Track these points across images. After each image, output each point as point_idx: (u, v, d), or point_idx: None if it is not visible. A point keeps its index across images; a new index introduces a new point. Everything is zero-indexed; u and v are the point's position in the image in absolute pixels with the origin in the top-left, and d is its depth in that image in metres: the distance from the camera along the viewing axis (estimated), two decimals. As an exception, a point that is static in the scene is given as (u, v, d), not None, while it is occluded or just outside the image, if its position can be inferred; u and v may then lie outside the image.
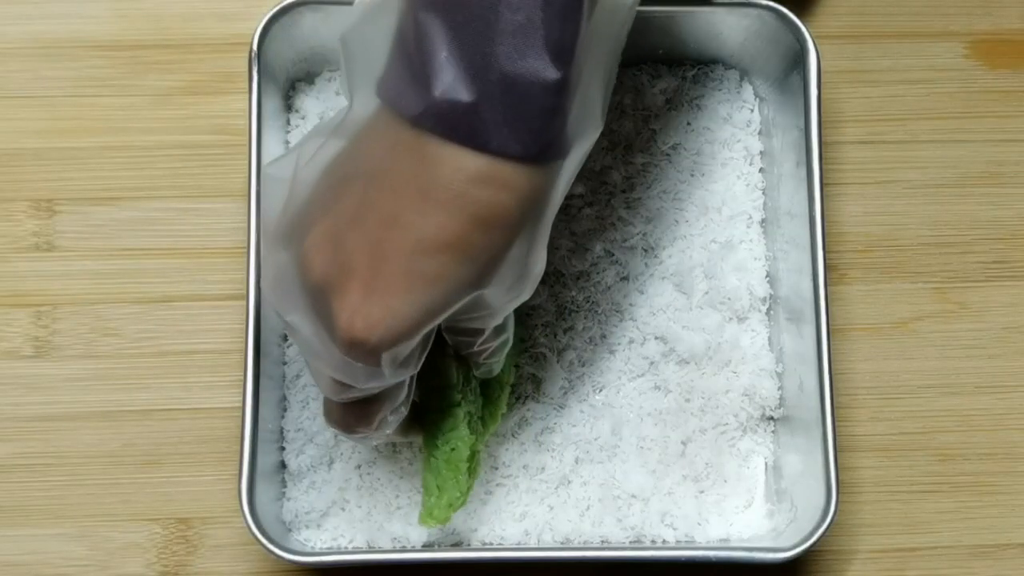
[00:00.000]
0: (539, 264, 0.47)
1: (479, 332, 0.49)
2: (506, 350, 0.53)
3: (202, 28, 0.64)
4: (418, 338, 0.46)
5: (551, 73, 0.42)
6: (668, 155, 0.62)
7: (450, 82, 0.42)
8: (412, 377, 0.49)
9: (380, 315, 0.44)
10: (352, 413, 0.49)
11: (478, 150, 0.42)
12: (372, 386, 0.47)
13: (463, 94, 0.42)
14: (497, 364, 0.53)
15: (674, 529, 0.59)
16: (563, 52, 0.42)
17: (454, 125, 0.42)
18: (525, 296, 0.48)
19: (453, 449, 0.53)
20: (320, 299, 0.45)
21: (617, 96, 0.62)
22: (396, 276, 0.44)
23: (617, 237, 0.61)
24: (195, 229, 0.62)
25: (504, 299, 0.47)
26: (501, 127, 0.42)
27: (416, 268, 0.43)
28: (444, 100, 0.42)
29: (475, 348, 0.51)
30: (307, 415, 0.59)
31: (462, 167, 0.42)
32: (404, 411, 0.51)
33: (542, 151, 0.43)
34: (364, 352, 0.45)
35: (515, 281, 0.46)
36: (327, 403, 0.50)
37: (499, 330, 0.51)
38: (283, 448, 0.59)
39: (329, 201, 0.45)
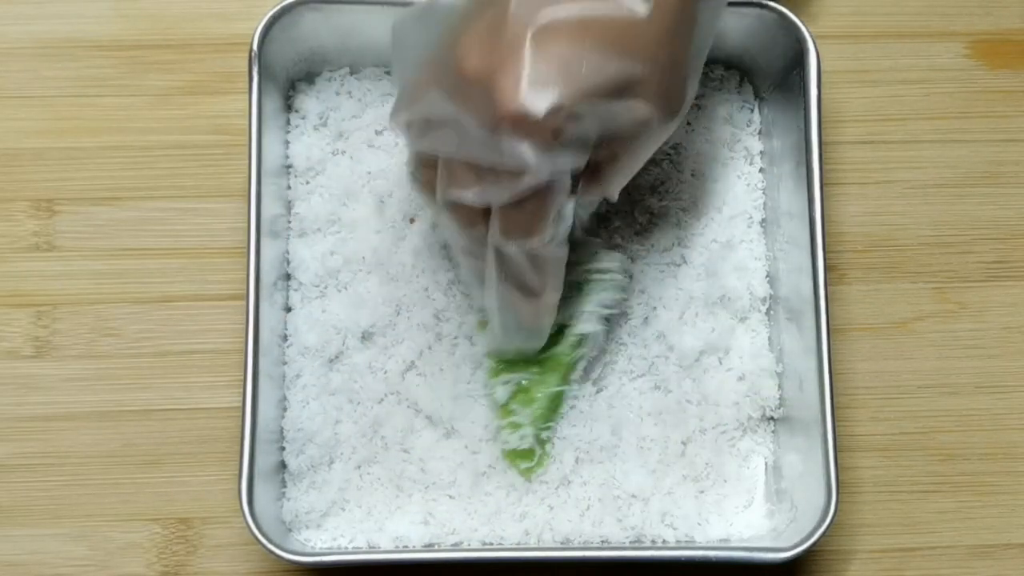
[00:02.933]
0: (690, 90, 0.51)
1: (630, 141, 0.51)
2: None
3: (202, 28, 0.64)
4: (588, 121, 0.47)
5: None
6: (668, 155, 0.62)
7: None
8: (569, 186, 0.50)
9: (545, 81, 0.46)
10: (525, 212, 0.50)
11: None
12: (543, 171, 0.48)
13: None
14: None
15: (674, 529, 0.59)
16: None
17: None
18: (679, 115, 0.50)
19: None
20: (478, 90, 0.46)
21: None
22: (557, 50, 0.46)
23: (617, 237, 0.61)
24: (195, 229, 0.62)
25: (654, 117, 0.49)
26: None
27: (578, 44, 0.46)
28: None
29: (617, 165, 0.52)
30: (307, 415, 0.59)
31: None
32: (568, 220, 0.51)
33: None
34: (531, 125, 0.46)
35: (670, 91, 0.49)
36: (507, 214, 0.50)
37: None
38: (283, 448, 0.59)
39: (475, 10, 0.47)
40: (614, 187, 0.53)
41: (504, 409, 0.58)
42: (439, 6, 0.49)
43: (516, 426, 0.58)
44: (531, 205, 0.49)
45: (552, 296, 0.55)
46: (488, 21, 0.47)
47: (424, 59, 0.49)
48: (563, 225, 0.51)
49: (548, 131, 0.46)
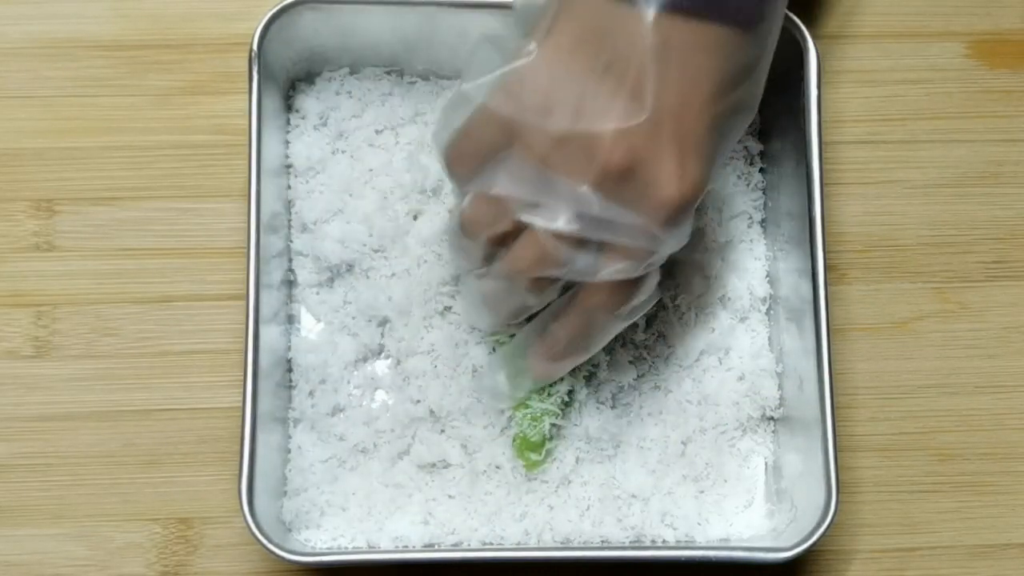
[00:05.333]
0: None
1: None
2: None
3: (202, 28, 0.64)
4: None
5: None
6: (668, 155, 0.62)
7: None
8: None
9: (694, 168, 0.47)
10: (622, 291, 0.51)
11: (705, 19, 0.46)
12: (671, 247, 0.50)
13: None
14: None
15: (674, 529, 0.59)
16: None
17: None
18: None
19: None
20: (628, 184, 0.47)
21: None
22: (691, 134, 0.47)
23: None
24: (195, 229, 0.62)
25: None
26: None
27: (705, 120, 0.47)
28: None
29: None
30: (307, 415, 0.59)
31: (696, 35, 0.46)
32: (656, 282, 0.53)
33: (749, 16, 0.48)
34: (686, 208, 0.48)
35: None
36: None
37: None
38: (285, 448, 0.59)
39: (580, 100, 0.47)
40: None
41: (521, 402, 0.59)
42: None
43: (534, 418, 0.58)
44: (642, 279, 0.51)
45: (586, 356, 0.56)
46: (604, 112, 0.47)
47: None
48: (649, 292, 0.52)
49: (691, 209, 0.49)
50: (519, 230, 0.49)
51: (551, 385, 0.58)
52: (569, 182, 0.47)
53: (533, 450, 0.58)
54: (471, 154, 0.49)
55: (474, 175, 0.49)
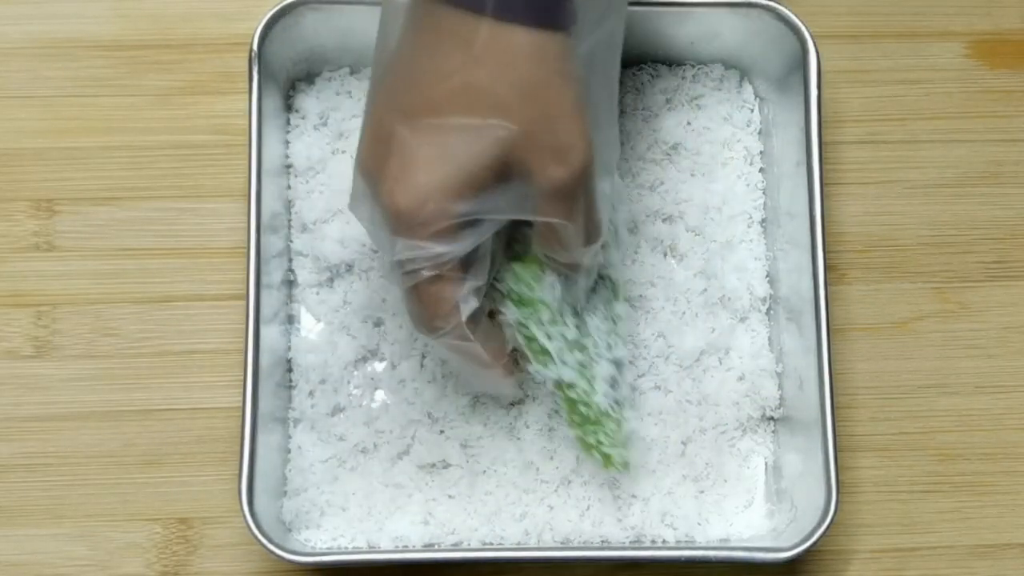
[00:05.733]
0: (598, 132, 0.49)
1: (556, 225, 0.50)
2: (592, 245, 0.52)
3: (202, 28, 0.64)
4: (461, 206, 0.47)
5: None
6: (668, 155, 0.62)
7: None
8: (480, 265, 0.50)
9: (419, 181, 0.46)
10: (424, 303, 0.50)
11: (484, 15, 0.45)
12: (422, 257, 0.48)
13: None
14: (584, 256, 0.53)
15: (674, 529, 0.59)
16: None
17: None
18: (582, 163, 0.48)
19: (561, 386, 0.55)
20: (371, 187, 0.47)
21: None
22: (428, 142, 0.46)
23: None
24: (195, 229, 0.62)
25: (553, 173, 0.47)
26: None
27: (447, 131, 0.46)
28: None
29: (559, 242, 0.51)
30: (307, 414, 0.59)
31: (475, 33, 0.45)
32: (475, 302, 0.51)
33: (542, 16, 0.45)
34: (408, 222, 0.47)
35: (555, 153, 0.47)
36: (409, 306, 0.51)
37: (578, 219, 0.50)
38: (285, 448, 0.59)
39: (371, 102, 0.48)
40: (576, 253, 0.52)
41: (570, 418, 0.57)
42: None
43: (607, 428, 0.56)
44: (427, 297, 0.50)
45: (500, 366, 0.55)
46: (376, 114, 0.48)
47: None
48: (466, 314, 0.50)
49: (420, 227, 0.47)
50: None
51: (586, 401, 0.56)
52: (384, 237, 0.48)
53: (615, 447, 0.56)
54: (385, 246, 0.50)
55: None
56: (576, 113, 0.47)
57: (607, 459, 0.57)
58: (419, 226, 0.47)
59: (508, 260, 0.54)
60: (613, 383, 0.56)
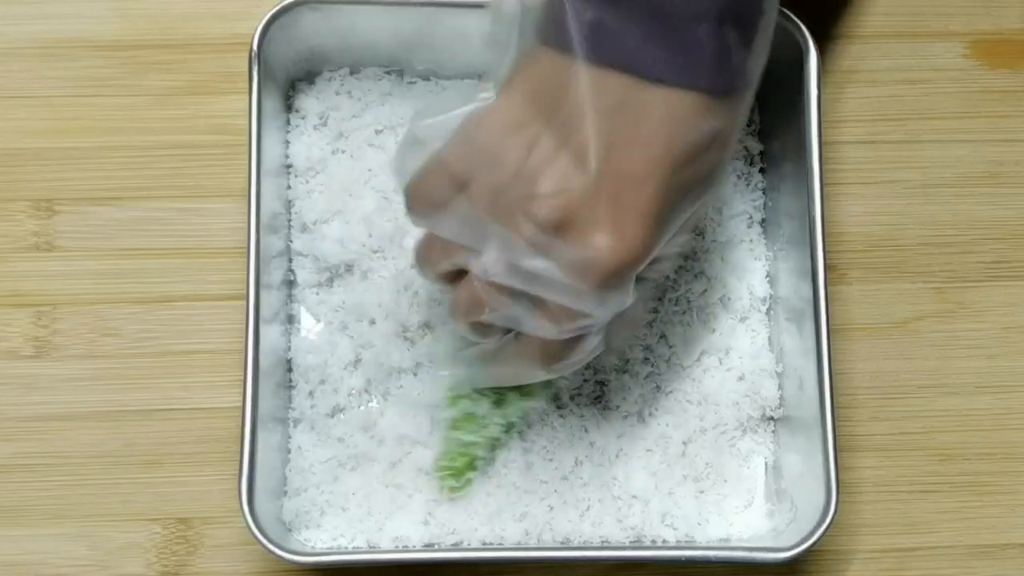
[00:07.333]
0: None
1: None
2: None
3: (202, 28, 0.64)
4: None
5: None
6: (668, 155, 0.62)
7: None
8: None
9: (634, 235, 0.46)
10: (554, 348, 0.51)
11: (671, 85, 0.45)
12: (604, 313, 0.49)
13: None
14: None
15: (674, 529, 0.59)
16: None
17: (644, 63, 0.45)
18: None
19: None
20: (562, 244, 0.46)
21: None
22: (635, 200, 0.46)
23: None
24: (195, 229, 0.62)
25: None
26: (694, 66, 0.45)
27: (653, 187, 0.46)
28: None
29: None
30: (307, 414, 0.59)
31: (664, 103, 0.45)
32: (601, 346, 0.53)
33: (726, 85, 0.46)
34: (620, 274, 0.47)
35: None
36: (551, 348, 0.51)
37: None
38: (284, 449, 0.59)
39: (527, 152, 0.46)
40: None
41: (453, 424, 0.58)
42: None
43: (463, 446, 0.58)
44: (574, 342, 0.51)
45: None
46: (542, 168, 0.46)
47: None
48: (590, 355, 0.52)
49: (628, 278, 0.48)
50: (462, 273, 0.50)
51: (482, 417, 0.58)
52: (504, 233, 0.47)
53: (455, 477, 0.58)
54: (427, 198, 0.49)
55: (428, 216, 0.49)
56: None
57: (444, 479, 0.58)
58: (626, 278, 0.47)
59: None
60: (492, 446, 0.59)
